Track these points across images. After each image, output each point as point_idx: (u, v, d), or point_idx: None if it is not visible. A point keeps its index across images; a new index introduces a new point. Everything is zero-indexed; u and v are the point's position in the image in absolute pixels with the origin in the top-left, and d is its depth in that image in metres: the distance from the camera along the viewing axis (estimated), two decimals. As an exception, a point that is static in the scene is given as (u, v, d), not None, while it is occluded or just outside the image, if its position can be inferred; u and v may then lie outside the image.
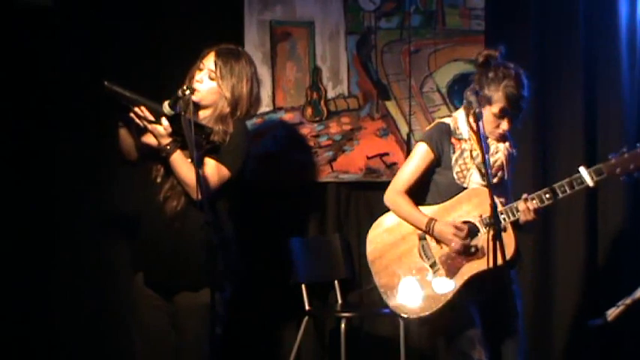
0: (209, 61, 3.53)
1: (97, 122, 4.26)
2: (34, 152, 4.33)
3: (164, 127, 3.35)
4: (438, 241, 3.53)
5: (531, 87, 3.55)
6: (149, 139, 3.41)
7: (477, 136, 3.36)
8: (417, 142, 3.71)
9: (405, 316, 3.56)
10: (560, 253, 4.68)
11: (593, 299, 4.58)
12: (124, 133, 3.49)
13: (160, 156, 3.41)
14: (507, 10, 4.65)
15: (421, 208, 3.58)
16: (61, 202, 4.38)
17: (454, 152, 3.55)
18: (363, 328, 4.58)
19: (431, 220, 3.52)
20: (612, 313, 3.69)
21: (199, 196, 3.17)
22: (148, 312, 3.49)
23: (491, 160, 3.54)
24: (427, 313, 3.50)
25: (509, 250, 3.38)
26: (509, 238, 3.42)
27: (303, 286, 4.45)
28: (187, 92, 3.31)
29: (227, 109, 3.50)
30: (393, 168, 4.58)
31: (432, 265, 3.53)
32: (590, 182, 3.42)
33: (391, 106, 4.62)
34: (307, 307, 4.42)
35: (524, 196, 3.45)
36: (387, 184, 4.57)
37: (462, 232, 3.46)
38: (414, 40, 4.60)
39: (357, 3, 4.59)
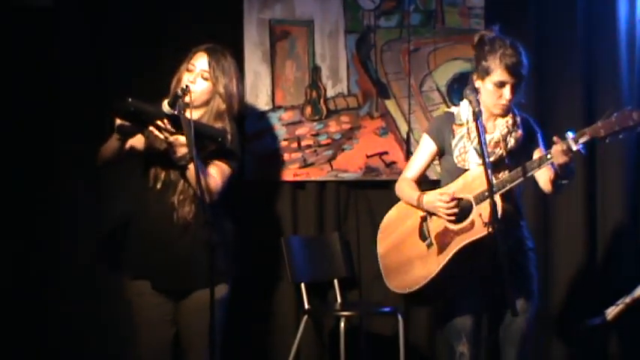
0: (200, 62, 3.62)
1: (96, 123, 4.26)
2: (33, 152, 4.32)
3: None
4: (433, 217, 3.60)
5: (530, 58, 3.60)
6: (160, 145, 3.46)
7: (475, 125, 3.42)
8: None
9: (396, 291, 3.68)
10: (559, 251, 4.68)
11: (593, 298, 4.59)
12: (114, 141, 3.51)
13: (166, 163, 3.48)
14: (506, 9, 4.64)
15: (428, 192, 3.67)
16: (59, 203, 4.38)
17: (454, 138, 3.67)
18: (363, 327, 4.58)
19: (420, 195, 3.64)
20: (611, 312, 3.70)
21: (214, 198, 3.36)
22: (154, 315, 3.55)
23: (488, 137, 3.59)
24: (415, 288, 3.59)
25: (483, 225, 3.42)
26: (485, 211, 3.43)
27: (302, 285, 4.45)
28: (185, 91, 3.34)
29: (223, 106, 3.61)
30: (392, 167, 4.58)
31: (428, 245, 3.60)
32: (573, 146, 3.37)
33: (391, 104, 4.62)
34: (306, 306, 4.42)
35: (555, 139, 3.43)
36: (386, 182, 4.60)
37: (446, 196, 3.53)
38: (414, 38, 4.60)
39: (357, 2, 4.58)
